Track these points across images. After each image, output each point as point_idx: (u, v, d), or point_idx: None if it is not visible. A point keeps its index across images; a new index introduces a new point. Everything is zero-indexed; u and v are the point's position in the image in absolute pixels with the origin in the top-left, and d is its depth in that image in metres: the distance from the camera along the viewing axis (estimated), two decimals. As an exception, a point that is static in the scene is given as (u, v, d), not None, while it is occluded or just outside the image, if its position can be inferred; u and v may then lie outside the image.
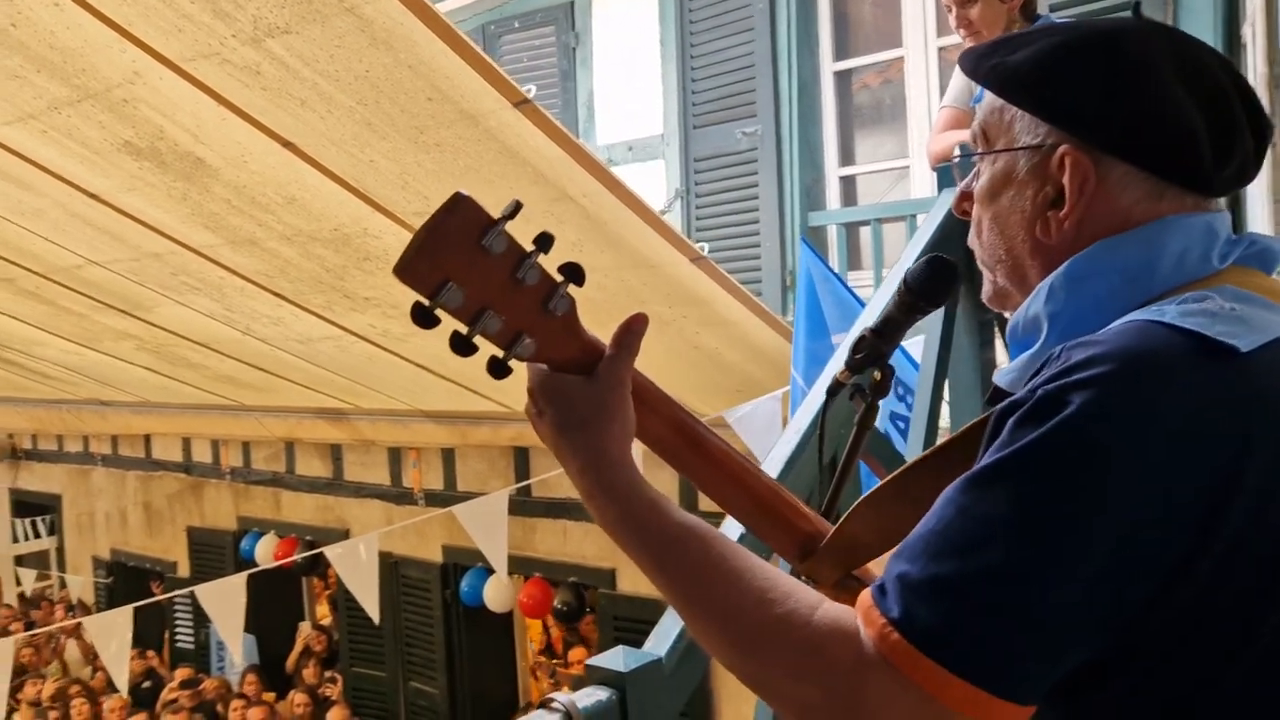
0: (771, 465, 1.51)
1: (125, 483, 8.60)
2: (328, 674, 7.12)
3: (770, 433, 3.39)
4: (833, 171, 5.02)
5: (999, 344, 2.37)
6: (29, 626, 8.32)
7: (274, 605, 7.55)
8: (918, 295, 0.94)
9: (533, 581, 5.91)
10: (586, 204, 3.17)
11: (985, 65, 0.84)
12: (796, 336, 3.00)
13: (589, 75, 5.72)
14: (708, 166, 5.27)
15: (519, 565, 5.69)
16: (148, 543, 8.44)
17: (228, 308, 4.67)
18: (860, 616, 0.66)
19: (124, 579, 8.66)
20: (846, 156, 5.03)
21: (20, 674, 7.34)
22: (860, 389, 0.96)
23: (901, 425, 2.48)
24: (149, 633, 7.68)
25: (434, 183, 3.19)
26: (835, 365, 1.02)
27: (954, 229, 1.87)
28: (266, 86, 2.83)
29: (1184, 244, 0.76)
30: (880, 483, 0.87)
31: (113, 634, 5.67)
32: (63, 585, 9.33)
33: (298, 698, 6.58)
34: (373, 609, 5.24)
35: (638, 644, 1.25)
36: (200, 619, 7.27)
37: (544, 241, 0.75)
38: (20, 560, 9.61)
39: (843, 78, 5.00)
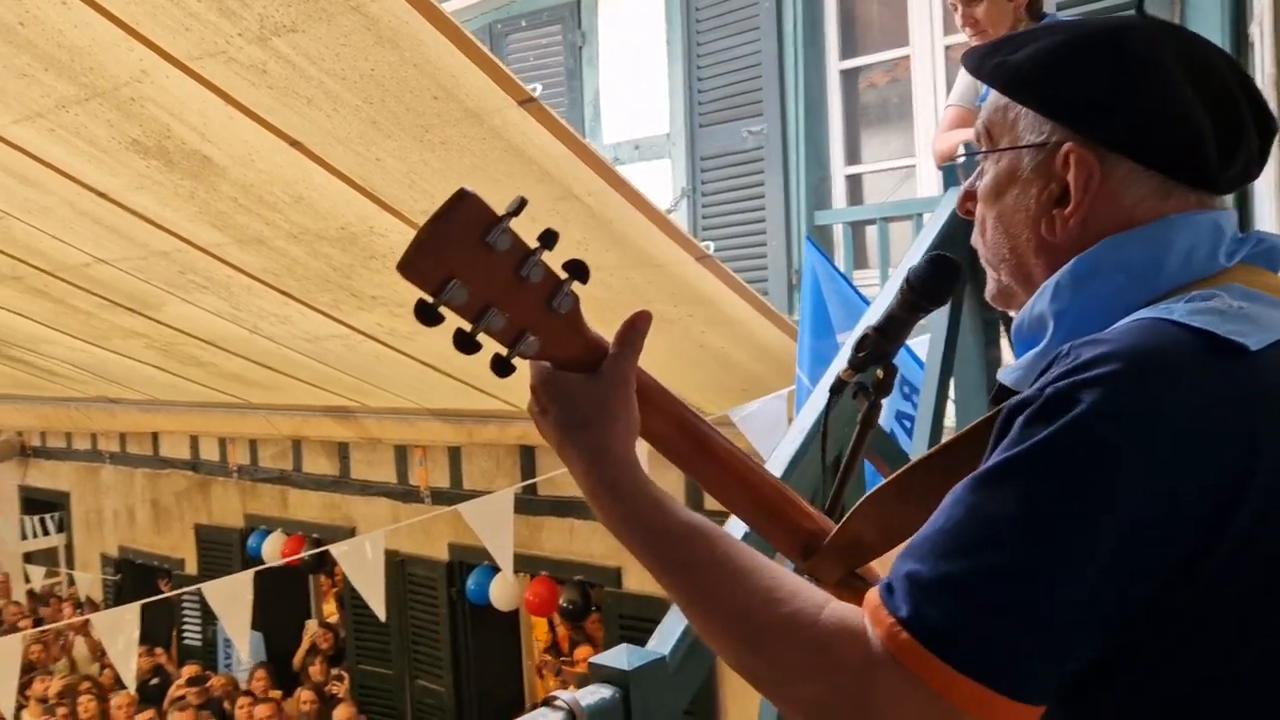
0: (776, 464, 1.50)
1: (133, 480, 8.63)
2: (334, 671, 7.13)
3: (775, 431, 3.39)
4: (839, 170, 5.01)
5: (1004, 343, 2.37)
6: (37, 623, 8.36)
7: (281, 603, 7.58)
8: (920, 294, 0.94)
9: (539, 580, 5.91)
10: (592, 203, 3.18)
11: (989, 63, 0.83)
12: (801, 335, 3.00)
13: (595, 74, 5.72)
14: (714, 165, 5.27)
15: (525, 564, 5.70)
16: (156, 540, 8.47)
17: (235, 306, 4.69)
18: (868, 615, 0.66)
19: (132, 576, 8.70)
20: (853, 155, 5.02)
21: (29, 670, 7.37)
22: (863, 387, 0.96)
23: (907, 424, 2.48)
24: (157, 630, 7.72)
25: (440, 181, 3.19)
26: (839, 364, 1.02)
27: (959, 228, 1.87)
28: (273, 85, 2.83)
29: (1190, 242, 0.76)
30: (884, 481, 0.86)
31: (120, 631, 5.70)
32: (71, 582, 9.37)
33: (304, 695, 6.60)
34: (379, 607, 5.26)
35: (643, 642, 1.25)
36: (208, 616, 7.30)
37: (548, 239, 0.75)
38: (29, 557, 9.65)
39: (849, 76, 4.99)
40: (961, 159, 0.97)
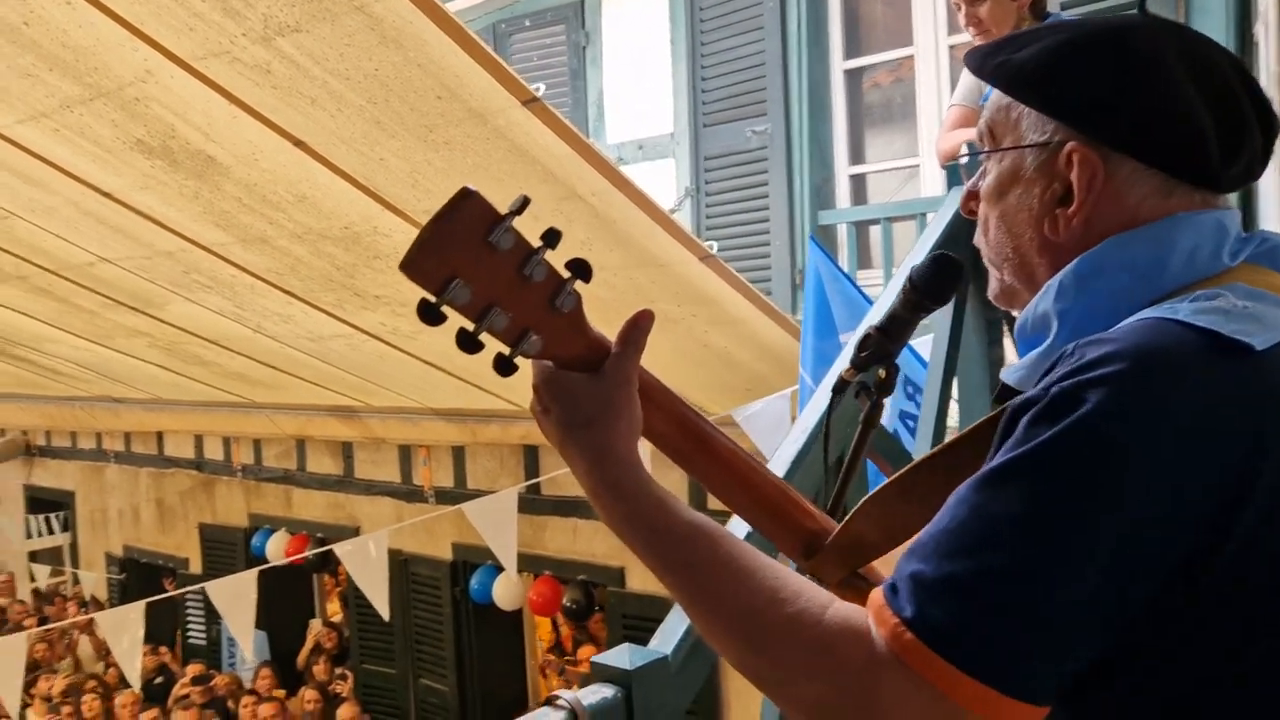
0: (778, 464, 1.50)
1: (138, 479, 8.65)
2: (338, 671, 7.14)
3: (779, 431, 3.39)
4: (843, 170, 5.01)
5: (1007, 342, 2.36)
6: (43, 622, 8.38)
7: (285, 602, 7.59)
8: (923, 293, 0.94)
9: (542, 579, 5.92)
10: (595, 203, 3.18)
11: (991, 63, 0.83)
12: (805, 335, 3.00)
13: (599, 74, 5.73)
14: (717, 165, 5.27)
15: (528, 563, 5.70)
16: (160, 539, 8.49)
17: (239, 305, 4.69)
18: (872, 616, 0.66)
19: (136, 575, 8.71)
20: (857, 155, 5.02)
21: (34, 669, 7.39)
22: (865, 387, 0.96)
23: (911, 424, 2.48)
24: (161, 629, 7.73)
25: (443, 181, 3.20)
26: (841, 363, 1.02)
27: (963, 227, 1.87)
28: (277, 85, 2.84)
29: (1194, 241, 0.76)
30: (886, 481, 0.86)
31: (125, 630, 5.71)
32: (76, 581, 9.39)
33: (308, 694, 6.61)
34: (382, 606, 5.26)
35: (646, 642, 1.25)
36: (212, 615, 7.30)
37: (551, 237, 0.75)
38: (34, 556, 9.67)
39: (853, 76, 4.99)
40: (965, 159, 0.96)
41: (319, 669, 7.09)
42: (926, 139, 4.66)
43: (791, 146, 4.97)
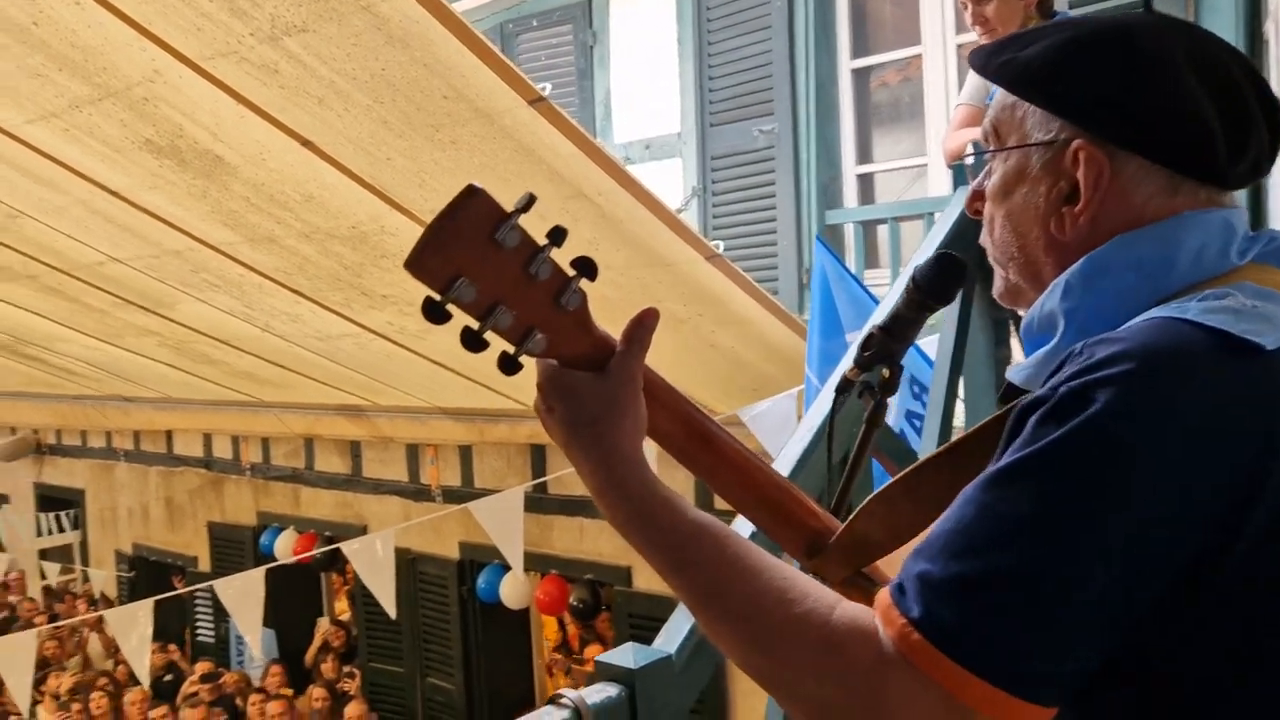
0: (784, 463, 1.50)
1: (147, 478, 8.68)
2: (346, 669, 7.16)
3: (785, 431, 3.38)
4: (850, 169, 5.00)
5: (1014, 342, 2.36)
6: (53, 619, 8.42)
7: (293, 600, 7.62)
8: (926, 293, 0.93)
9: (549, 579, 5.92)
10: (602, 202, 3.18)
11: (995, 62, 0.83)
12: (811, 335, 3.00)
13: (606, 74, 5.73)
14: (725, 165, 5.26)
15: (535, 562, 5.71)
16: (169, 537, 8.52)
17: (247, 305, 4.71)
18: (879, 616, 0.66)
19: (146, 573, 8.75)
20: (864, 154, 5.01)
21: (44, 666, 7.43)
22: (869, 386, 0.95)
23: (917, 423, 2.48)
24: (170, 627, 7.76)
25: (450, 180, 3.20)
26: (845, 363, 1.02)
27: (969, 227, 1.86)
28: (284, 85, 2.85)
29: (1202, 240, 0.75)
30: (891, 480, 0.86)
31: (134, 627, 5.74)
32: (86, 579, 9.43)
33: (316, 692, 6.63)
34: (389, 605, 5.27)
35: (653, 642, 1.25)
36: (220, 613, 7.34)
37: (557, 235, 0.74)
38: (44, 554, 9.71)
39: (860, 75, 4.98)
40: (970, 157, 0.96)
41: (327, 667, 7.11)
42: (934, 138, 4.65)
43: (799, 146, 4.97)
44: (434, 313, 0.72)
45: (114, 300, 5.08)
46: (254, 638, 5.64)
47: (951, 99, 4.51)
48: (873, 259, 4.90)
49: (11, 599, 9.46)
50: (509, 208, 0.73)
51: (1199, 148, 0.76)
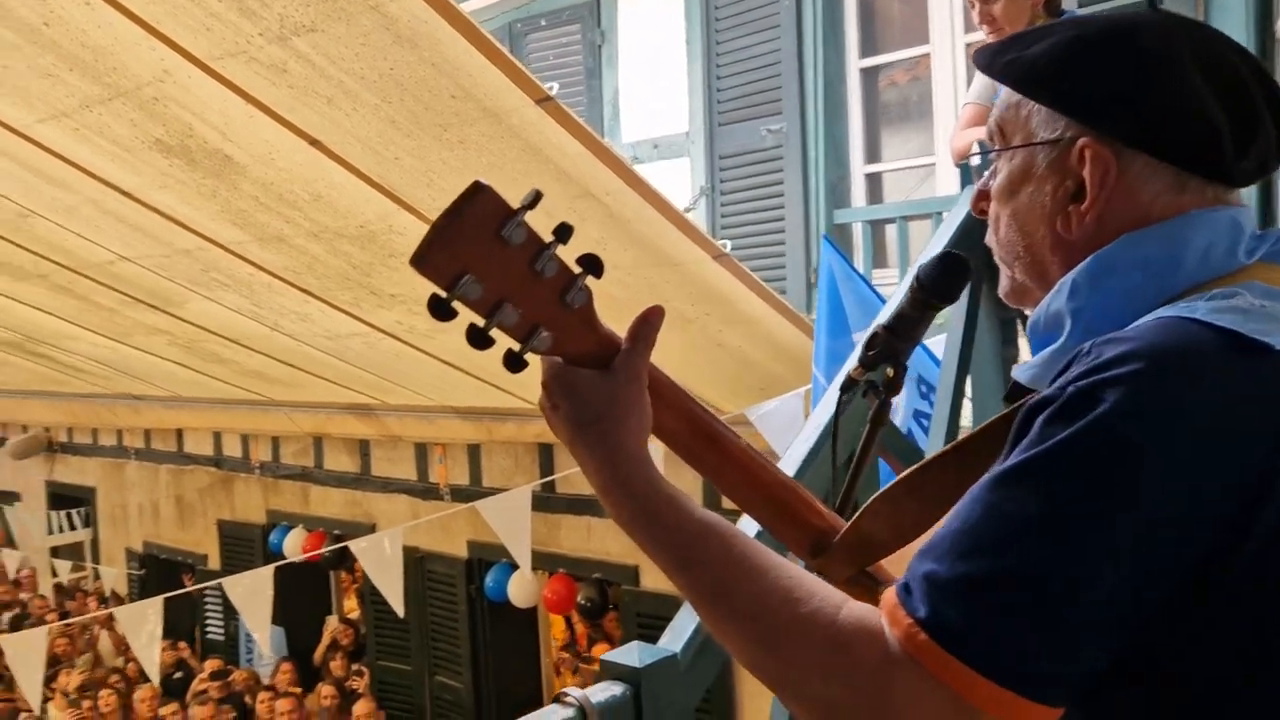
0: (789, 462, 1.50)
1: (158, 476, 8.72)
2: (354, 667, 7.18)
3: (792, 430, 3.38)
4: (858, 169, 4.99)
5: (1022, 342, 2.35)
6: (64, 617, 8.46)
7: (302, 599, 7.64)
8: (930, 292, 0.93)
9: (557, 577, 5.93)
10: (609, 202, 3.18)
11: (1000, 61, 0.83)
12: (818, 334, 3.00)
13: (614, 73, 5.73)
14: (733, 164, 5.26)
15: (543, 561, 5.72)
16: (179, 535, 8.56)
17: (256, 304, 4.73)
18: (885, 616, 0.66)
19: (156, 571, 8.79)
20: (872, 154, 5.00)
21: (55, 664, 7.47)
22: (874, 386, 0.95)
23: (925, 423, 2.47)
24: (180, 624, 7.80)
25: (458, 179, 3.20)
26: (850, 363, 1.02)
27: (976, 226, 1.86)
28: (293, 84, 2.86)
29: (1209, 239, 0.75)
30: (896, 479, 0.86)
31: (144, 625, 5.77)
32: (96, 576, 9.47)
33: (325, 690, 6.65)
34: (397, 603, 5.29)
35: (659, 640, 1.25)
36: (230, 611, 7.36)
37: (563, 232, 0.74)
38: (56, 551, 9.77)
39: (869, 74, 4.96)
40: (976, 156, 0.96)
41: (336, 665, 7.14)
42: (942, 137, 4.64)
43: (807, 145, 4.96)
44: (440, 310, 0.72)
45: (124, 299, 5.10)
46: (263, 635, 5.67)
47: (960, 98, 4.50)
48: (881, 258, 4.89)
49: (23, 596, 9.52)
50: (515, 205, 0.72)
51: (1205, 145, 0.76)
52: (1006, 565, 0.62)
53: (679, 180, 5.37)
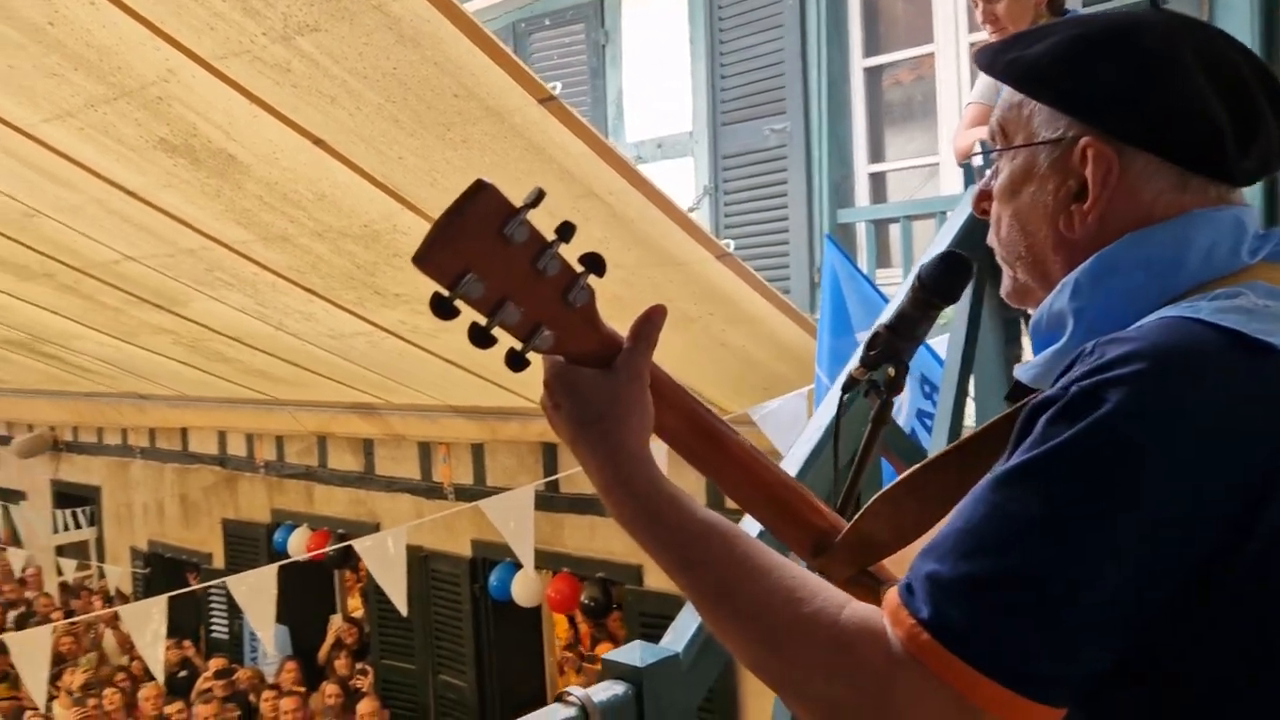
0: (792, 462, 1.50)
1: (163, 475, 8.74)
2: (359, 666, 7.19)
3: (795, 430, 3.38)
4: (862, 168, 4.98)
5: (1025, 341, 2.35)
6: (68, 615, 8.48)
7: (307, 597, 7.65)
8: (932, 291, 0.93)
9: (560, 577, 5.93)
10: (612, 201, 3.18)
11: (1002, 60, 0.83)
12: (821, 334, 3.00)
13: (618, 73, 5.73)
14: (736, 164, 5.26)
15: (547, 560, 5.72)
16: (184, 534, 8.58)
17: (261, 303, 4.74)
18: (888, 616, 0.66)
19: (161, 570, 8.81)
20: (876, 153, 4.99)
21: (59, 662, 7.49)
22: (875, 385, 0.95)
23: (928, 422, 2.47)
24: (185, 623, 7.81)
25: (461, 179, 3.19)
26: (852, 362, 1.02)
27: (979, 225, 1.85)
28: (297, 84, 2.86)
29: (1212, 238, 0.75)
30: (897, 479, 0.86)
31: (148, 623, 5.78)
32: (101, 575, 9.49)
33: (329, 689, 6.66)
34: (400, 602, 5.30)
35: (661, 640, 1.25)
36: (234, 610, 7.38)
37: (565, 231, 0.73)
38: (61, 550, 9.79)
39: (873, 74, 4.96)
40: (978, 156, 0.96)
41: (340, 664, 7.15)
42: (947, 137, 4.63)
43: (810, 145, 4.96)
44: (442, 308, 0.71)
45: (129, 298, 5.11)
46: (266, 634, 5.68)
47: (964, 97, 4.50)
48: (885, 258, 4.88)
49: (28, 594, 9.54)
50: (518, 204, 0.72)
51: (1207, 144, 0.76)
52: (1009, 565, 0.62)
53: (683, 180, 5.37)
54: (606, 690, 1.12)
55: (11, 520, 10.79)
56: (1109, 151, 0.77)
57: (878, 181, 5.00)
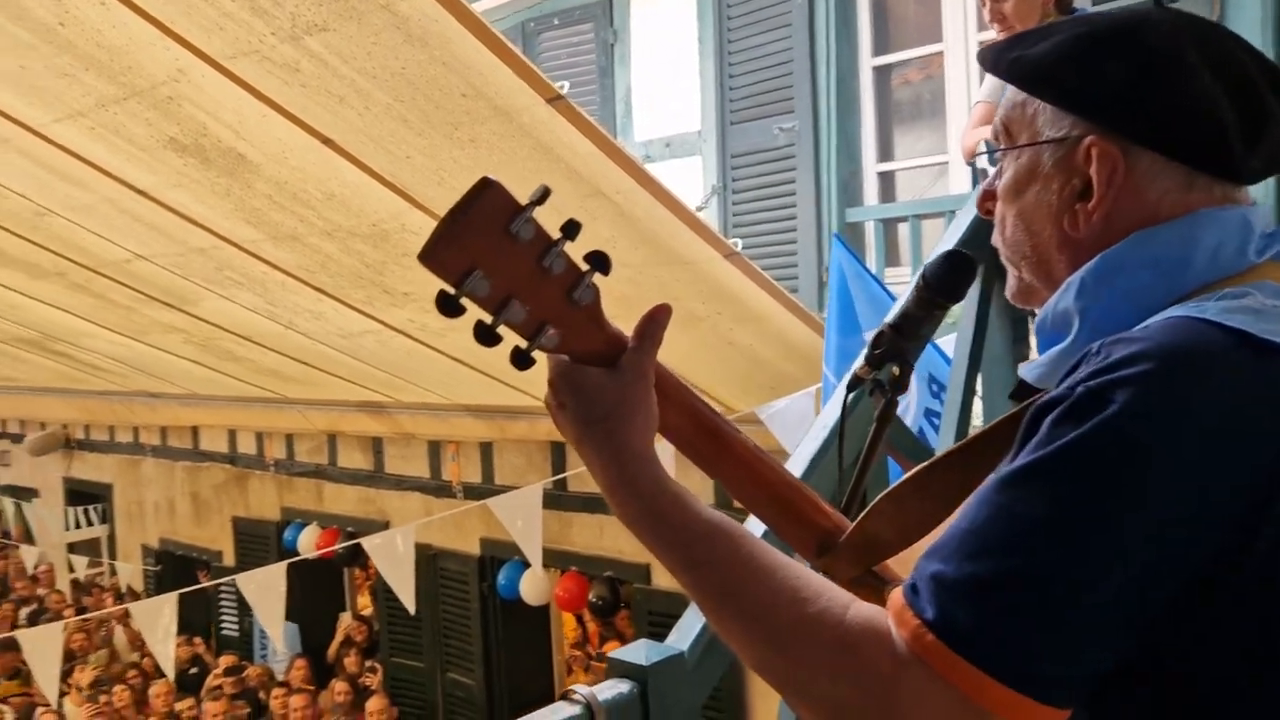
0: (798, 462, 1.50)
1: (173, 473, 8.78)
2: (368, 664, 7.21)
3: (802, 429, 3.37)
4: (871, 167, 4.97)
5: (1033, 340, 2.33)
6: (80, 612, 8.53)
7: (316, 595, 7.68)
8: (936, 290, 0.93)
9: (568, 575, 5.94)
10: (620, 200, 3.18)
11: (1005, 59, 0.82)
12: (828, 333, 2.99)
13: (627, 72, 5.73)
14: (745, 163, 5.25)
15: (555, 559, 5.72)
16: (195, 532, 8.62)
17: (270, 302, 4.75)
18: (892, 617, 0.66)
19: (172, 567, 8.85)
20: (885, 152, 4.98)
21: (71, 659, 7.53)
22: (879, 384, 0.95)
23: (935, 421, 2.46)
24: (195, 620, 7.85)
25: (469, 178, 3.16)
26: (858, 361, 1.02)
27: (985, 225, 1.85)
28: (305, 84, 2.87)
29: (1219, 238, 0.75)
30: (902, 479, 0.86)
31: (159, 620, 5.81)
32: (113, 572, 9.54)
33: (338, 686, 6.68)
34: (408, 600, 5.30)
35: (666, 639, 1.25)
36: (244, 608, 7.40)
37: (571, 229, 0.73)
38: (73, 547, 9.84)
39: (882, 73, 4.95)
40: (982, 156, 0.96)
41: (349, 662, 7.17)
42: (956, 136, 4.61)
43: (819, 143, 4.95)
44: (447, 306, 0.71)
45: (140, 297, 5.14)
46: (277, 632, 5.70)
47: (973, 96, 4.48)
48: (893, 257, 4.87)
49: (40, 591, 9.59)
50: (524, 202, 0.72)
51: (1213, 143, 0.75)
52: (1015, 566, 0.62)
53: (691, 179, 5.37)
54: (611, 688, 1.12)
55: (24, 517, 10.85)
56: (1114, 150, 0.76)
57: (886, 180, 4.99)
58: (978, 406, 2.19)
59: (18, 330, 6.52)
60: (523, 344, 0.75)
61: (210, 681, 7.04)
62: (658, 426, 0.82)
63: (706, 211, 5.16)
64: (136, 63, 2.92)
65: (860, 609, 0.68)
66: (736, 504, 0.87)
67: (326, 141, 3.19)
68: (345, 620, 7.88)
